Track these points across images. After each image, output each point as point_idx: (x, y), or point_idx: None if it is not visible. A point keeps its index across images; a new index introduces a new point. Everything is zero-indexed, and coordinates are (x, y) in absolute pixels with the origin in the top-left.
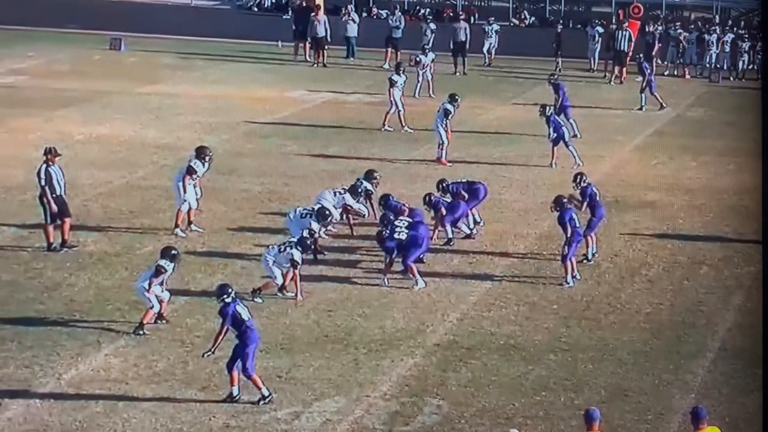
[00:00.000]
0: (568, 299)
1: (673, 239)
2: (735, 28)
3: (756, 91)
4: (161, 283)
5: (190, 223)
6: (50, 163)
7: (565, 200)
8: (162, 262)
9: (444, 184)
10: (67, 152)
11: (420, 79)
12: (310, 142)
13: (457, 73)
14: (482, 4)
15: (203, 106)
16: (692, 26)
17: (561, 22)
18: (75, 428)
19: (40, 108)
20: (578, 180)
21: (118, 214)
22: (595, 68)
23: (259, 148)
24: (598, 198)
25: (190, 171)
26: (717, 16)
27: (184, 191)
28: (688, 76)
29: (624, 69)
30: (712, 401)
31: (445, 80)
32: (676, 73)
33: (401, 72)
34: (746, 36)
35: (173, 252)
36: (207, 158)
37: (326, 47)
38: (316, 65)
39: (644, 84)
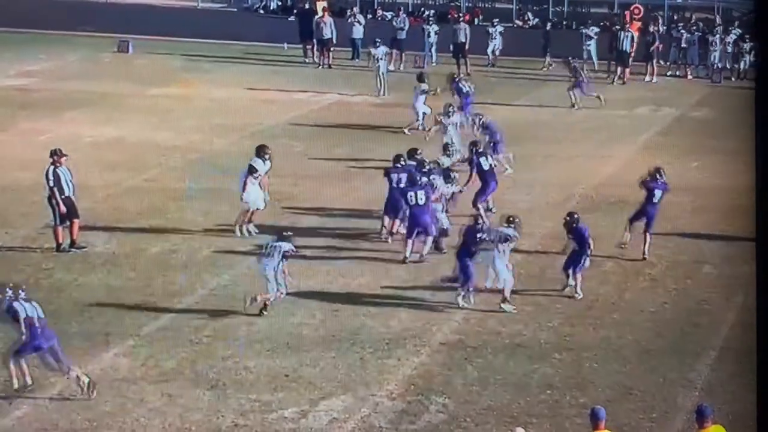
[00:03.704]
0: (573, 299)
1: (677, 239)
2: (737, 29)
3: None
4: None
5: (249, 221)
6: (57, 164)
7: (576, 216)
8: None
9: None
10: (76, 154)
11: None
12: (318, 142)
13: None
14: (486, 5)
15: (211, 108)
16: (694, 27)
17: (549, 21)
18: (84, 427)
19: (51, 110)
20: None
21: (127, 215)
22: (595, 69)
23: None
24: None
25: (251, 170)
26: (718, 17)
27: (243, 190)
28: (690, 77)
29: (627, 70)
30: (716, 399)
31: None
32: (678, 73)
33: (424, 80)
34: (748, 36)
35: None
36: (267, 156)
37: (332, 49)
38: (321, 67)
39: (575, 84)
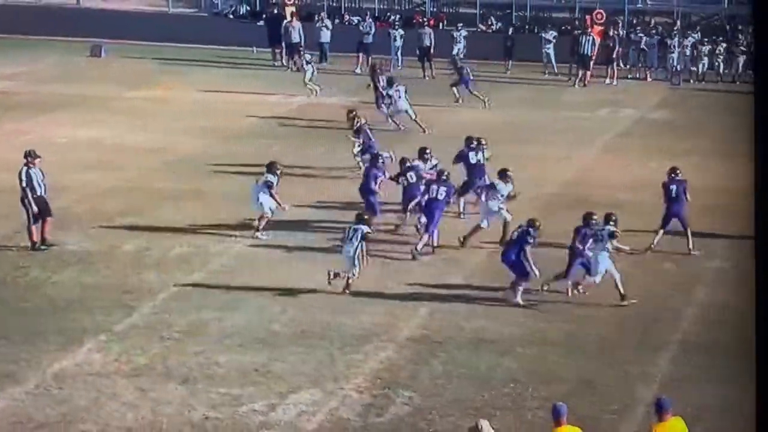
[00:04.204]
0: (536, 294)
1: (639, 236)
2: (695, 32)
3: (716, 93)
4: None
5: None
6: (31, 165)
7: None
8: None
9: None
10: (54, 155)
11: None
12: (291, 142)
13: (426, 77)
14: (451, 10)
15: (186, 110)
16: (653, 30)
17: (512, 26)
18: (59, 421)
19: (29, 113)
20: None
21: (102, 214)
22: (554, 71)
23: (240, 150)
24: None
25: (269, 185)
26: (678, 21)
27: (257, 199)
28: (649, 79)
29: (588, 73)
30: (675, 393)
31: (414, 84)
32: (638, 76)
33: (394, 85)
34: (706, 40)
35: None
36: (278, 171)
37: (300, 52)
38: (290, 70)
39: (459, 80)
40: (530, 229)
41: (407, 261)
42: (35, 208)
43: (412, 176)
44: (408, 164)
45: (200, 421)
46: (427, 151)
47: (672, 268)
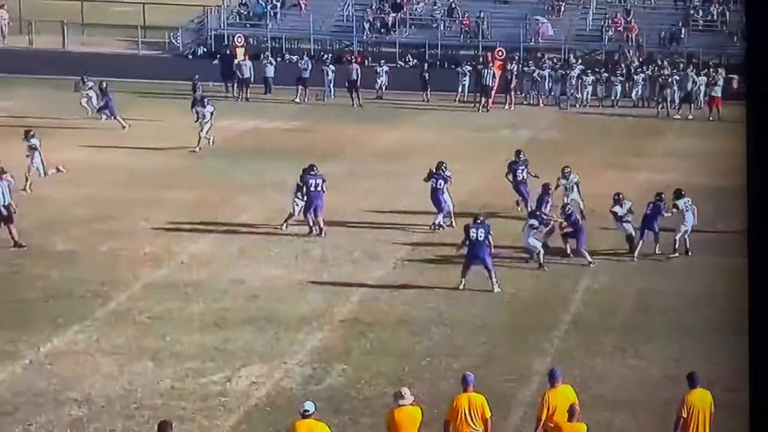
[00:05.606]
0: (448, 283)
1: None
2: (580, 65)
3: (598, 116)
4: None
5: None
6: (0, 179)
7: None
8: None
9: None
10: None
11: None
12: (237, 161)
13: (354, 106)
14: (374, 50)
15: (150, 134)
16: (544, 64)
17: (426, 62)
18: (52, 390)
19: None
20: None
21: (81, 220)
22: (464, 99)
23: (196, 166)
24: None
25: (299, 188)
26: (571, 56)
27: (293, 200)
28: (541, 105)
29: (489, 100)
30: (565, 364)
31: (345, 111)
32: (532, 102)
33: (207, 102)
34: (589, 71)
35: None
36: (314, 174)
37: (249, 85)
38: (240, 100)
39: (104, 106)
40: (487, 224)
41: (337, 257)
42: (4, 212)
43: (434, 182)
44: (439, 171)
45: (168, 391)
46: (443, 165)
47: (561, 261)
